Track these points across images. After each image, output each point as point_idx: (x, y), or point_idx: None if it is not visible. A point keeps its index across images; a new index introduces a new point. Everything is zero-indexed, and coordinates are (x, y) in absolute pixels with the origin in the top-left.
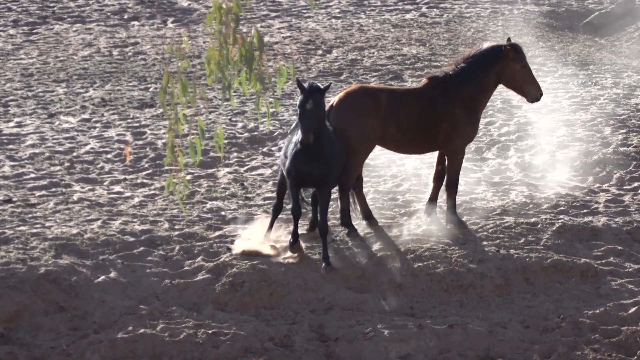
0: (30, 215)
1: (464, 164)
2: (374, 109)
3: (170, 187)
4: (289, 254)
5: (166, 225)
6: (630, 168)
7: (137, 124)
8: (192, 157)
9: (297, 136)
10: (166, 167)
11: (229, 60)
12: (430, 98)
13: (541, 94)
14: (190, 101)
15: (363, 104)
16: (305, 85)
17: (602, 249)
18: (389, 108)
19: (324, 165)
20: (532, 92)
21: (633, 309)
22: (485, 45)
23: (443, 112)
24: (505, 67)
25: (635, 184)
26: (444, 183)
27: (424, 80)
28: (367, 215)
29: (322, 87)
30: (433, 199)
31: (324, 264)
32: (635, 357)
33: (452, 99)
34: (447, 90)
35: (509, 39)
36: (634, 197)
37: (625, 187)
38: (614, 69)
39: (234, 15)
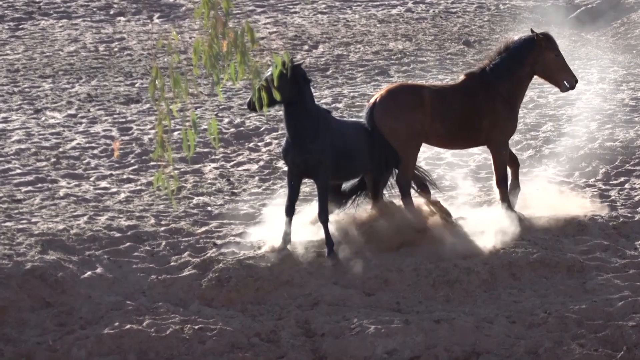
0: (16, 211)
1: (450, 158)
2: (419, 104)
3: (159, 182)
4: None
5: (152, 220)
6: (617, 163)
7: (123, 120)
8: (185, 151)
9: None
10: (154, 162)
11: (219, 54)
12: (470, 94)
13: (576, 81)
14: (183, 94)
15: (408, 100)
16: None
17: (588, 244)
18: (433, 103)
19: (306, 154)
20: (567, 79)
21: (619, 304)
22: (516, 37)
23: (484, 109)
24: (538, 56)
25: (622, 179)
26: (495, 180)
27: (461, 77)
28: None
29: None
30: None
31: (327, 252)
32: (621, 352)
33: (492, 95)
34: (485, 86)
35: (531, 30)
36: (620, 192)
37: (611, 182)
38: (600, 64)
39: (222, 9)
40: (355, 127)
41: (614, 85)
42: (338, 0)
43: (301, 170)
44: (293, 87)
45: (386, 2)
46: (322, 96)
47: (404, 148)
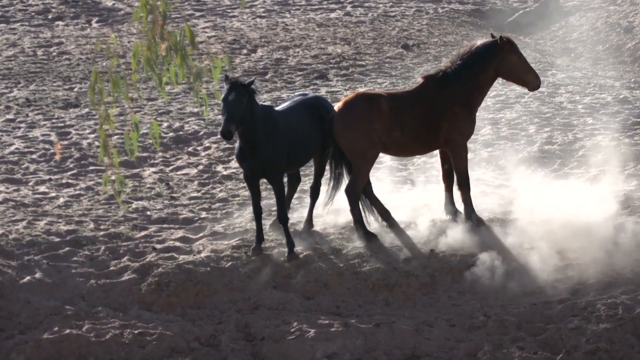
0: None
1: (389, 162)
2: (376, 114)
3: (108, 184)
4: None
5: (91, 225)
6: (555, 166)
7: (62, 124)
8: (129, 154)
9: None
10: (93, 167)
11: (157, 56)
12: (429, 98)
13: (540, 81)
14: (123, 97)
15: (364, 111)
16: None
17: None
18: (391, 112)
19: (262, 160)
20: (531, 80)
21: (559, 307)
22: (479, 42)
23: (443, 111)
24: (502, 60)
25: (561, 182)
26: (456, 182)
27: (420, 80)
28: (386, 216)
29: (245, 81)
30: (449, 198)
31: (287, 251)
32: (560, 355)
33: (451, 97)
34: (445, 88)
35: (491, 35)
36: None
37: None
38: (539, 68)
39: (161, 12)
40: (297, 111)
41: (552, 88)
42: (277, 4)
43: (257, 173)
44: (250, 105)
45: (325, 6)
46: (260, 100)
47: (360, 160)
